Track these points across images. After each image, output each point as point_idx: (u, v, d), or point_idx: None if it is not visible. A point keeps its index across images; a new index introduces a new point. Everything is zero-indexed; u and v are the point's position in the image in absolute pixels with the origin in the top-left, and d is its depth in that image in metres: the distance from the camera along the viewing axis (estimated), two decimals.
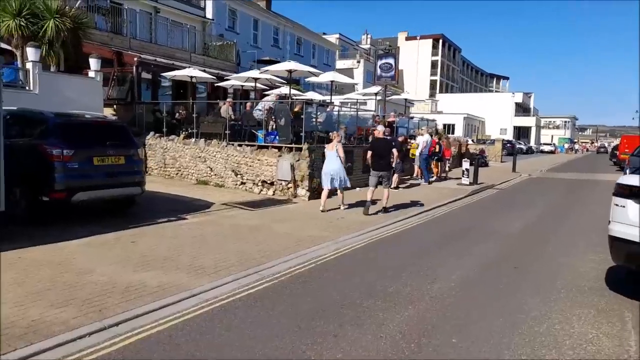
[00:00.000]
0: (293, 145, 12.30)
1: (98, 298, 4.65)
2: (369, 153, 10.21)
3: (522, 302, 5.07)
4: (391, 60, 20.17)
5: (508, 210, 11.94)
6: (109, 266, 5.66)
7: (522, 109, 76.81)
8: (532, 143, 66.86)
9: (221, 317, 4.44)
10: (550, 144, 68.16)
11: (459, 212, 11.46)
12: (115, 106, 16.87)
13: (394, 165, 10.80)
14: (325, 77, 17.48)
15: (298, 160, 11.65)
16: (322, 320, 4.40)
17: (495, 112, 66.76)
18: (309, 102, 15.22)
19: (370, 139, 15.95)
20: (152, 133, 14.90)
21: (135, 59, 16.69)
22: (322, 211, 9.94)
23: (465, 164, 16.29)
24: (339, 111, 15.97)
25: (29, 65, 11.70)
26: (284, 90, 16.54)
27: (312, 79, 18.96)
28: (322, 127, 14.03)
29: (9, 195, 6.60)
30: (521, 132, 72.17)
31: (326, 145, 10.62)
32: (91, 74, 13.49)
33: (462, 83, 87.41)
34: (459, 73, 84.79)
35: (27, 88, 11.68)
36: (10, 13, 11.99)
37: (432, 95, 71.00)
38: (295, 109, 13.45)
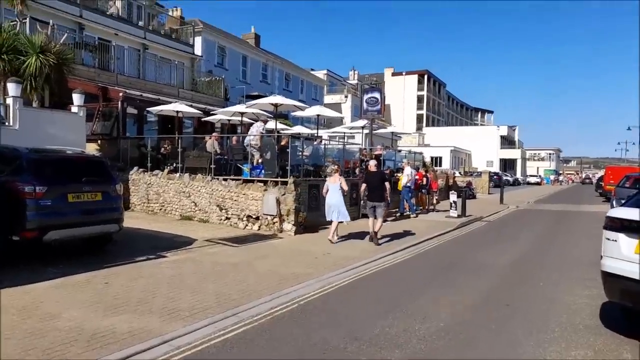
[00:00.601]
0: (279, 179, 12.12)
1: (60, 347, 4.30)
2: (363, 186, 10.70)
3: (515, 343, 4.80)
4: (377, 95, 20.41)
5: (497, 243, 11.76)
6: (77, 310, 5.30)
7: (507, 141, 78.10)
8: (519, 175, 67.68)
9: None
10: (536, 176, 68.97)
11: (448, 245, 11.24)
12: (99, 141, 16.64)
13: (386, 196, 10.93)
14: (312, 111, 17.51)
15: (284, 195, 11.44)
16: None
17: (481, 145, 67.80)
18: (296, 136, 15.16)
19: (357, 172, 15.99)
20: (135, 168, 14.64)
21: (121, 94, 16.60)
22: (332, 242, 10.22)
23: (453, 196, 16.17)
24: (325, 145, 15.91)
25: (9, 101, 11.50)
26: (270, 122, 16.49)
27: (300, 113, 19.00)
28: (308, 160, 13.93)
29: None
30: (507, 164, 73.12)
31: (327, 178, 11.03)
32: (74, 109, 13.30)
33: (448, 117, 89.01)
34: (444, 107, 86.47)
35: (6, 124, 11.43)
36: None
37: (419, 128, 72.05)
38: (282, 143, 13.34)
